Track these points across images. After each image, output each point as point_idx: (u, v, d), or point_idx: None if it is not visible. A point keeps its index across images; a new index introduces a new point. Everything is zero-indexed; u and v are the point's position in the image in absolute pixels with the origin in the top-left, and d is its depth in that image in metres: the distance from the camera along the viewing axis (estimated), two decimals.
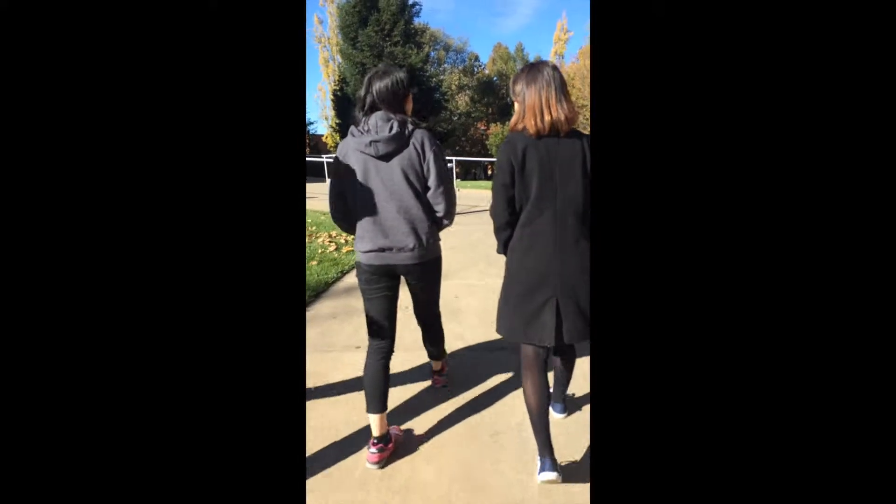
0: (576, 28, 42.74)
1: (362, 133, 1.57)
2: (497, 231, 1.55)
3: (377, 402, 1.70)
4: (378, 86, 1.59)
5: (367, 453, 1.68)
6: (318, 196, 9.35)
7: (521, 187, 1.46)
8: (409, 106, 1.66)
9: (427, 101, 20.89)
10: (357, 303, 3.28)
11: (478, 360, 2.51)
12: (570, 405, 2.02)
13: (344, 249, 4.93)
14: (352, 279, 3.97)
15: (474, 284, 3.78)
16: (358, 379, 2.24)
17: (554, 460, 1.54)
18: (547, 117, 1.42)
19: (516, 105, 1.50)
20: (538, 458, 1.56)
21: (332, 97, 21.29)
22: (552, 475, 1.51)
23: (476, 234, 5.76)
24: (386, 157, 1.57)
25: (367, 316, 1.74)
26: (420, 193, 1.61)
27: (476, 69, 36.00)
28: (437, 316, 1.95)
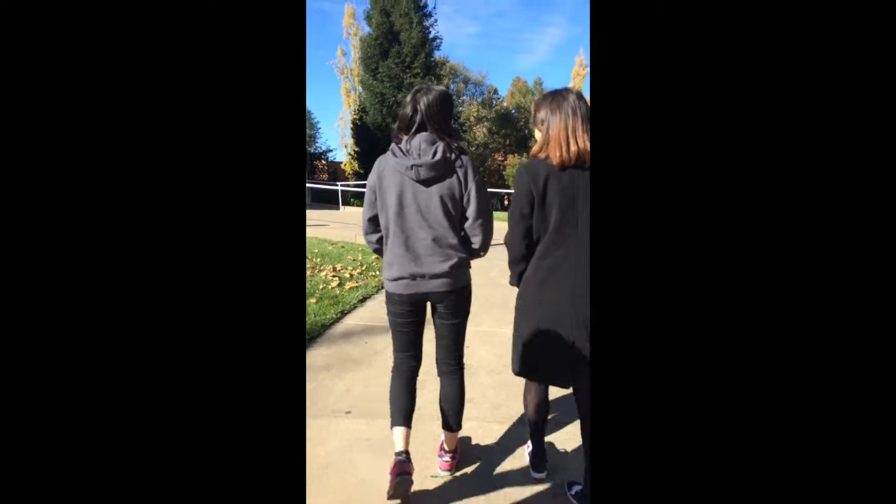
0: None
1: (404, 154, 1.49)
2: (512, 263, 1.50)
3: (406, 413, 1.66)
4: (427, 100, 1.51)
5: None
6: (329, 224, 9.08)
7: (540, 218, 1.40)
8: (451, 122, 1.58)
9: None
10: (354, 350, 3.04)
11: (488, 432, 2.11)
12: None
13: (347, 286, 4.57)
14: (352, 320, 3.67)
15: (490, 332, 3.38)
16: (344, 453, 1.93)
17: (543, 463, 1.70)
18: (574, 147, 1.35)
19: (538, 133, 1.44)
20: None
21: (351, 126, 21.51)
22: (541, 475, 1.67)
23: (493, 272, 5.33)
24: (426, 183, 1.49)
25: (394, 342, 1.71)
26: (456, 223, 1.54)
27: (495, 102, 36.35)
28: (461, 361, 1.75)
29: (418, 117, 1.51)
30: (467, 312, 1.69)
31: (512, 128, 34.69)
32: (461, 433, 1.89)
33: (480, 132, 34.53)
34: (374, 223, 1.62)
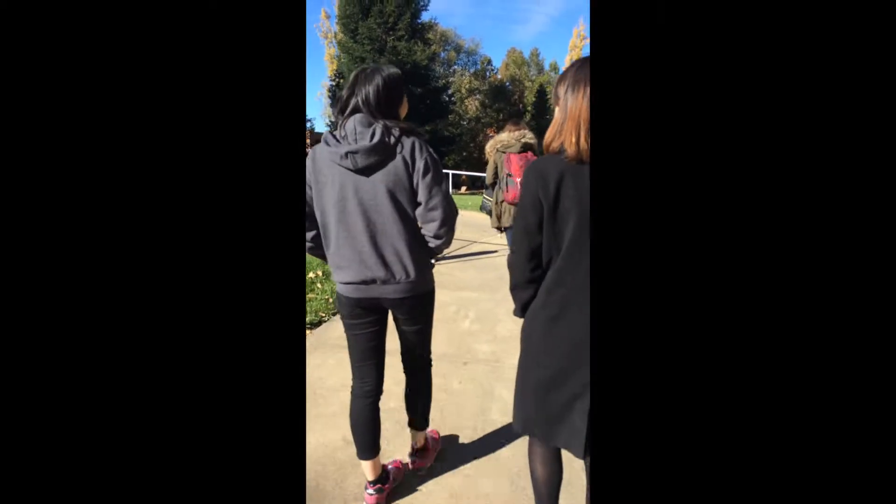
0: None
1: (339, 141, 1.30)
2: (514, 289, 1.19)
3: (368, 449, 1.51)
4: (366, 88, 1.30)
5: (365, 495, 1.56)
6: None
7: (552, 233, 1.07)
8: (404, 111, 1.38)
9: (435, 102, 19.56)
10: (318, 371, 2.55)
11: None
12: None
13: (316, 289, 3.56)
14: (324, 333, 3.00)
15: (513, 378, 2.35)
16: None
17: None
18: (586, 135, 1.02)
19: (557, 113, 1.07)
20: None
21: (328, 93, 19.97)
22: None
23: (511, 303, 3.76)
24: (366, 171, 1.28)
25: (350, 354, 1.51)
26: (408, 216, 1.32)
27: (488, 73, 34.72)
28: (428, 363, 1.61)
29: (353, 100, 1.32)
30: (429, 316, 1.53)
31: (506, 101, 33.18)
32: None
33: (472, 105, 33.05)
34: (309, 220, 1.38)
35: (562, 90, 1.05)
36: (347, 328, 1.47)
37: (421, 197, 1.31)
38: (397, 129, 1.30)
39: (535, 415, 1.14)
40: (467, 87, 32.88)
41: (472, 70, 34.58)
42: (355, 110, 1.31)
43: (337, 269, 1.38)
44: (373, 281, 1.35)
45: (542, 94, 29.42)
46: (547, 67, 34.04)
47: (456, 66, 34.15)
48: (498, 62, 35.33)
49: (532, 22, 59.78)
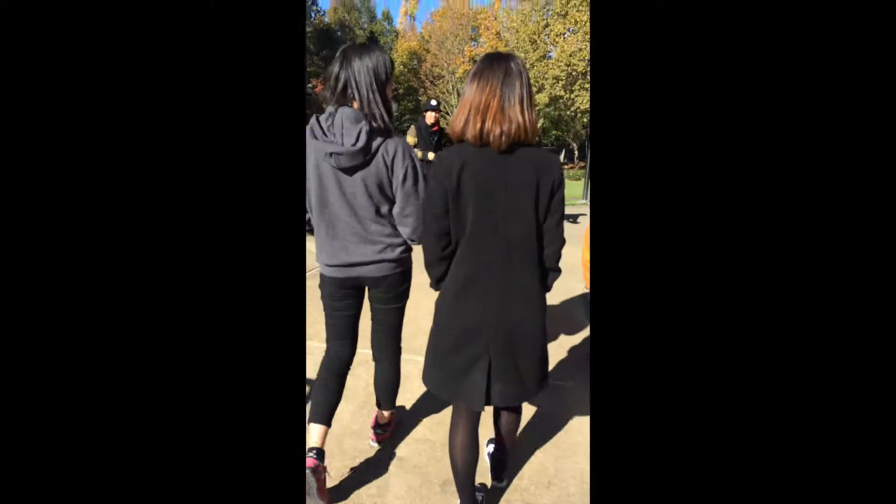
0: None
1: (325, 135, 1.33)
2: (428, 266, 1.29)
3: (327, 412, 1.53)
4: (357, 65, 1.31)
5: (308, 458, 1.47)
6: None
7: (455, 218, 1.18)
8: (391, 92, 1.40)
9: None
10: None
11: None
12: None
13: None
14: None
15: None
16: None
17: None
18: (488, 123, 1.12)
19: (459, 104, 1.20)
20: None
21: None
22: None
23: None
24: (349, 171, 1.35)
25: (327, 329, 1.60)
26: (385, 212, 1.42)
27: (313, 15, 29.16)
28: (397, 349, 1.69)
29: (341, 84, 1.32)
30: (403, 298, 1.60)
31: (333, 50, 29.42)
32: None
33: None
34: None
35: (470, 84, 1.17)
36: (327, 308, 1.55)
37: (398, 202, 1.41)
38: (385, 127, 1.35)
39: (440, 376, 1.29)
40: None
41: None
42: (345, 89, 1.33)
43: (320, 251, 1.47)
44: (355, 263, 1.44)
45: (372, 41, 28.01)
46: (379, 16, 31.77)
47: None
48: (325, 4, 30.05)
49: None
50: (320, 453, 1.49)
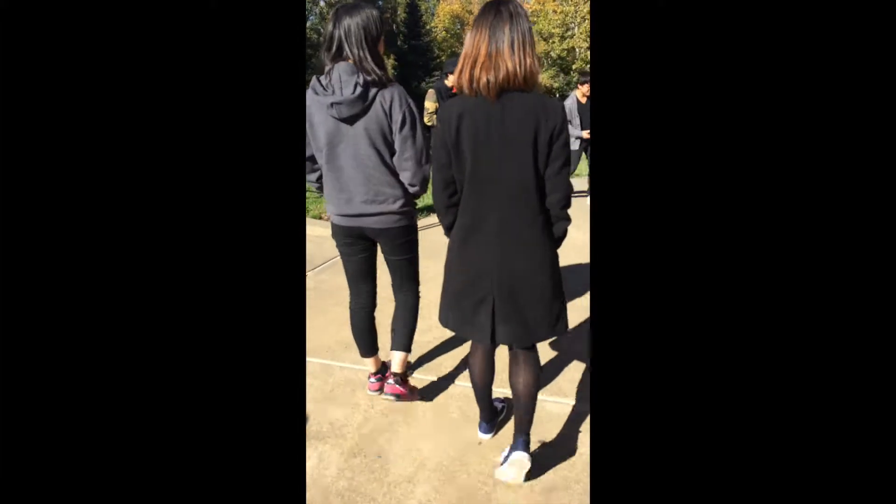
0: None
1: (325, 90, 1.42)
2: (438, 214, 1.36)
3: (367, 349, 1.80)
4: (347, 22, 1.38)
5: (368, 383, 1.84)
6: None
7: (457, 167, 1.22)
8: (382, 47, 1.47)
9: None
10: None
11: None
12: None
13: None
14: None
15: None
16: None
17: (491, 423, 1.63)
18: (476, 71, 1.13)
19: (461, 55, 1.19)
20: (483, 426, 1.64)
21: None
22: (486, 436, 1.62)
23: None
24: (350, 120, 1.42)
25: (346, 275, 1.74)
26: (388, 159, 1.49)
27: None
28: (413, 293, 1.78)
29: (336, 43, 1.40)
30: (411, 250, 1.68)
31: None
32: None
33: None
34: (311, 161, 1.57)
35: (466, 35, 1.18)
36: (341, 254, 1.69)
37: (397, 147, 1.47)
38: (379, 79, 1.41)
39: (451, 315, 1.39)
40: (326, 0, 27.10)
41: None
42: (339, 48, 1.40)
43: (329, 202, 1.58)
44: (358, 214, 1.54)
45: (413, 8, 27.35)
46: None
47: None
48: None
49: None
50: (380, 372, 1.82)
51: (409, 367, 2.02)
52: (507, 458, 1.46)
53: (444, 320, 1.43)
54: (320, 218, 4.28)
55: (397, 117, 1.44)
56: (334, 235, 1.65)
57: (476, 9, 23.34)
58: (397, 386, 1.75)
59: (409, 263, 1.71)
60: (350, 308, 1.78)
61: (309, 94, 1.46)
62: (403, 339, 1.78)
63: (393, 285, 1.77)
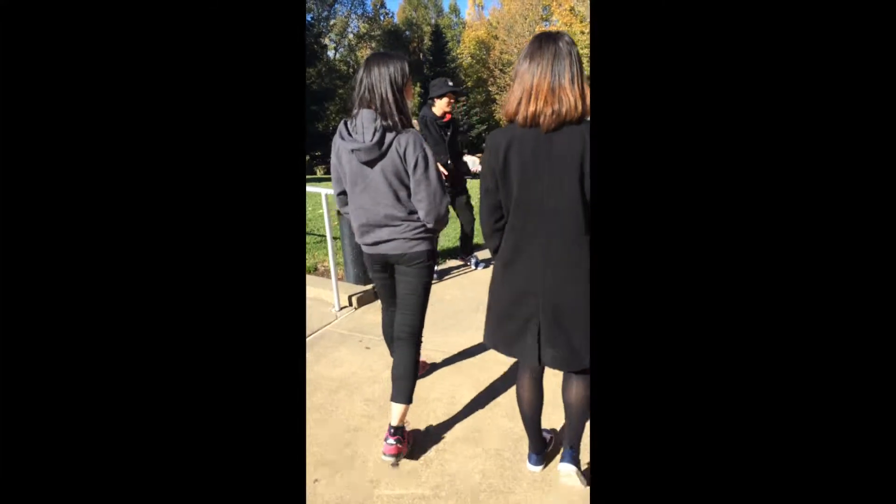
0: None
1: (350, 135, 1.58)
2: (485, 238, 1.45)
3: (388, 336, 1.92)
4: (376, 71, 1.54)
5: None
6: None
7: (504, 193, 1.31)
8: (410, 92, 1.60)
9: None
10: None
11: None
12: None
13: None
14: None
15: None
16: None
17: (541, 450, 1.63)
18: (539, 105, 1.19)
19: (515, 86, 1.27)
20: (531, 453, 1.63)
21: None
22: (536, 468, 1.61)
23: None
24: (370, 164, 1.58)
25: (379, 298, 1.98)
26: (404, 198, 1.62)
27: (382, 17, 32.19)
28: (415, 333, 1.77)
29: (363, 91, 1.55)
30: (424, 286, 1.74)
31: (403, 48, 32.23)
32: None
33: (366, 54, 30.62)
34: (343, 195, 1.73)
35: (521, 66, 1.23)
36: (372, 279, 1.86)
37: (412, 188, 1.60)
38: (397, 124, 1.54)
39: (496, 337, 1.44)
40: (355, 32, 30.00)
41: (359, 12, 31.21)
42: (366, 94, 1.55)
43: (356, 233, 1.73)
44: (376, 243, 1.68)
45: (437, 35, 26.83)
46: (446, 9, 34.11)
47: (338, 6, 30.06)
48: (394, 6, 32.76)
49: None
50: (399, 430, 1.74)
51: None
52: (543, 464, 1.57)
53: (490, 341, 1.46)
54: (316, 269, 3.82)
55: (412, 161, 1.54)
56: (365, 262, 1.81)
57: (501, 34, 25.32)
58: (394, 446, 1.67)
59: (418, 300, 1.74)
60: (383, 313, 1.96)
61: (336, 137, 1.61)
62: (403, 389, 1.73)
63: (395, 321, 1.79)
